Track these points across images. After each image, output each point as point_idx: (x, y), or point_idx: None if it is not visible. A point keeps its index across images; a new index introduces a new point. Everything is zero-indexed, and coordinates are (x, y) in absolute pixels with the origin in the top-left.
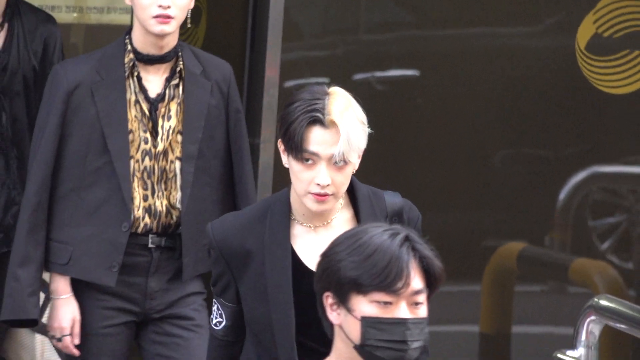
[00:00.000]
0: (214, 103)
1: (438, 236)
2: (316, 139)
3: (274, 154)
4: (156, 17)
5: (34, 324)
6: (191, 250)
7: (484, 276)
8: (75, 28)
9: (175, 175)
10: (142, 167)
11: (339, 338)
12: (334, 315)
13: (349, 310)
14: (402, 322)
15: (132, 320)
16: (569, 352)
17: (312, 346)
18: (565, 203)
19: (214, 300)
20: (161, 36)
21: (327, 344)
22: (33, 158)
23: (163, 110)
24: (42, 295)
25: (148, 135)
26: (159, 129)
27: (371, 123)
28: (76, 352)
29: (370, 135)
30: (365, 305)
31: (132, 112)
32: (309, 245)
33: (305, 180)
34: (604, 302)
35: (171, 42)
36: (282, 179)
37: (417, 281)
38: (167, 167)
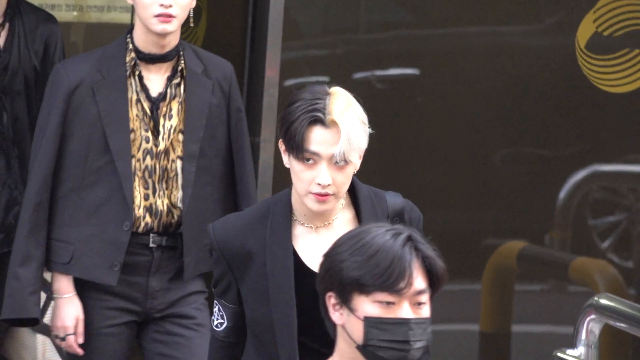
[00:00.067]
0: (216, 102)
1: (438, 235)
2: (317, 138)
3: (274, 154)
4: (158, 16)
5: (35, 323)
6: (192, 250)
7: (484, 275)
8: (75, 26)
9: (176, 174)
10: (143, 166)
11: (342, 338)
12: (337, 315)
13: (352, 310)
14: (404, 322)
15: (133, 320)
16: (569, 351)
17: (313, 347)
18: (565, 202)
19: (215, 301)
20: (163, 35)
21: (328, 345)
22: (34, 157)
23: (164, 109)
24: (43, 296)
25: (149, 134)
26: (161, 128)
27: (371, 122)
28: (80, 351)
29: (370, 135)
30: (368, 306)
31: (134, 111)
32: (310, 246)
33: (306, 180)
34: (604, 301)
35: (173, 41)
36: (282, 178)
37: (419, 281)
38: (169, 166)
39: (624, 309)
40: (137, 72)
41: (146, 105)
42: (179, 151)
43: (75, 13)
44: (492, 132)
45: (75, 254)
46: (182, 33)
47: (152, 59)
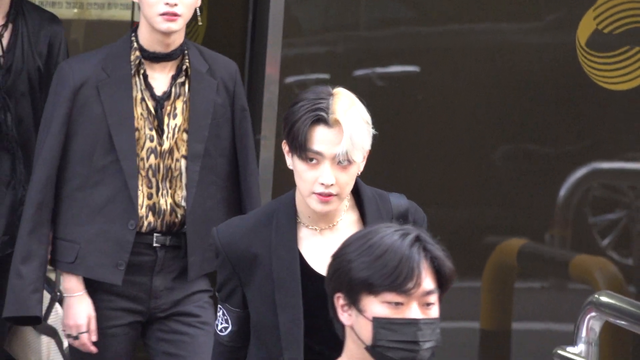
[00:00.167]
0: (220, 101)
1: (438, 232)
2: (320, 137)
3: (275, 151)
4: (163, 14)
5: (37, 322)
6: (197, 250)
7: (484, 272)
8: (75, 24)
9: (180, 173)
10: (147, 165)
11: (350, 339)
12: (345, 316)
13: (360, 311)
14: (413, 323)
15: (137, 320)
16: (569, 349)
17: (318, 349)
18: (565, 199)
19: (219, 306)
20: (168, 34)
21: (334, 347)
22: (38, 156)
23: (169, 108)
24: (47, 297)
25: (154, 133)
26: (165, 127)
27: (371, 119)
28: (94, 349)
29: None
30: (377, 306)
31: (138, 110)
32: (315, 248)
33: (310, 180)
34: (604, 299)
35: (177, 40)
36: (283, 176)
37: (428, 282)
38: (173, 166)
39: (624, 307)
40: (141, 71)
41: (150, 104)
42: (183, 150)
43: (75, 10)
44: (492, 129)
45: (80, 253)
46: None
47: (157, 58)
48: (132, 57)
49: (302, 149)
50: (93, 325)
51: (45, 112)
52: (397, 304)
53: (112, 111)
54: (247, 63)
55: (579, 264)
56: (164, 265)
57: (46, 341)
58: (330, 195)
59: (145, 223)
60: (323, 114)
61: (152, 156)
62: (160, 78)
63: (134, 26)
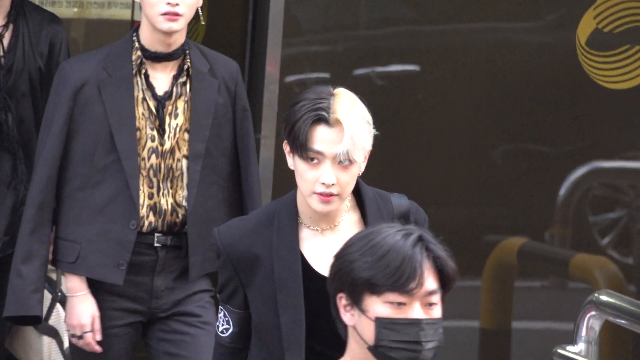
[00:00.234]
0: (221, 101)
1: (438, 232)
2: (321, 137)
3: (275, 150)
4: (164, 14)
5: (38, 322)
6: (198, 250)
7: (484, 271)
8: (75, 23)
9: (181, 173)
10: (148, 165)
11: (353, 339)
12: (348, 316)
13: (363, 311)
14: (416, 323)
15: (138, 320)
16: (569, 348)
17: (320, 350)
18: (565, 198)
19: (220, 307)
20: (169, 34)
21: (336, 347)
22: (39, 155)
23: (170, 108)
24: (48, 297)
25: (155, 133)
26: (166, 127)
27: (371, 118)
28: (98, 348)
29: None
30: (379, 306)
31: (140, 110)
32: (317, 249)
33: (310, 180)
34: (604, 298)
35: (179, 39)
36: (283, 175)
37: (430, 281)
38: (174, 166)
39: (624, 306)
40: (143, 71)
41: (152, 104)
42: (184, 150)
43: (75, 9)
44: (492, 128)
45: (81, 253)
46: None
47: (158, 58)
48: (134, 57)
49: (303, 149)
50: (97, 325)
51: (46, 112)
52: (400, 304)
53: (113, 111)
54: (247, 62)
55: (579, 263)
56: (165, 265)
57: (47, 342)
58: (331, 195)
59: (146, 223)
60: (324, 113)
61: (154, 156)
62: (161, 78)
63: (134, 25)
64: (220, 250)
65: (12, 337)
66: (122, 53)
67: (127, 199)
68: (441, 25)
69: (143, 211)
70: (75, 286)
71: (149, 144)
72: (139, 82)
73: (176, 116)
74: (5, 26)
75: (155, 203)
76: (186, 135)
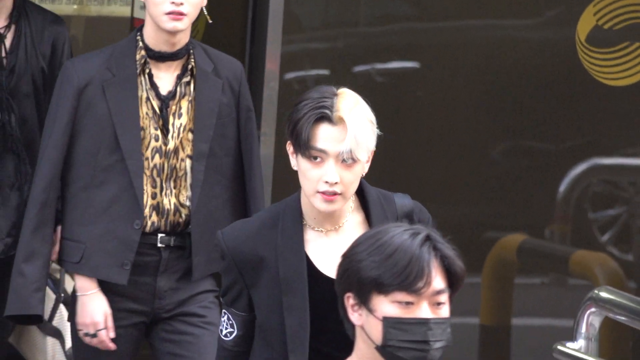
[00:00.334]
0: (225, 101)
1: (438, 228)
2: (324, 135)
3: (274, 147)
4: (169, 13)
5: (39, 321)
6: (201, 250)
7: (484, 268)
8: (75, 20)
9: (185, 173)
10: (151, 165)
11: (361, 339)
12: (355, 316)
13: (371, 310)
14: (424, 322)
15: (141, 321)
16: (569, 344)
17: (327, 351)
18: (565, 195)
19: (223, 311)
20: (173, 33)
21: (343, 348)
22: (42, 155)
23: (174, 107)
24: (52, 297)
25: (159, 132)
26: (170, 127)
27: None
28: (112, 345)
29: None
30: (387, 306)
31: (143, 110)
32: (321, 250)
33: (314, 178)
34: (604, 294)
35: (183, 39)
36: (283, 172)
37: (438, 281)
38: (178, 165)
39: (624, 302)
40: (147, 70)
41: (155, 103)
42: (188, 150)
43: (75, 6)
44: (492, 125)
45: (85, 253)
46: None
47: (162, 57)
48: (138, 57)
49: (306, 147)
50: (110, 322)
51: (49, 111)
52: (408, 303)
53: (117, 111)
54: (247, 58)
55: (579, 259)
56: (168, 266)
57: (51, 342)
58: (334, 194)
59: (149, 223)
60: (327, 111)
61: (157, 155)
62: (165, 77)
63: (133, 22)
64: (225, 252)
65: (19, 337)
66: (126, 53)
67: (131, 198)
68: (441, 22)
69: (146, 211)
70: (85, 285)
71: (153, 143)
72: (143, 81)
73: (180, 116)
74: (8, 27)
75: (158, 203)
76: (190, 135)
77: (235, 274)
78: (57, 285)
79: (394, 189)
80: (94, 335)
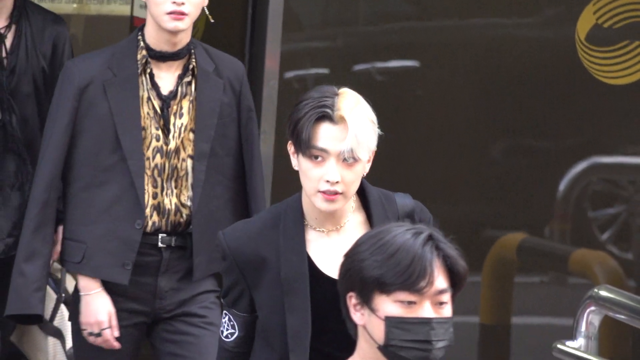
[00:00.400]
0: (227, 101)
1: (439, 228)
2: (325, 134)
3: (274, 146)
4: (170, 13)
5: (39, 320)
6: (202, 250)
7: (484, 267)
8: (75, 19)
9: (186, 173)
10: (152, 165)
11: (363, 338)
12: (358, 315)
13: (373, 310)
14: (426, 322)
15: (142, 321)
16: (568, 343)
17: (328, 351)
18: (565, 194)
19: (224, 312)
20: (174, 33)
21: (344, 348)
22: (42, 155)
23: (175, 107)
24: (53, 297)
25: (160, 132)
26: (171, 127)
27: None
28: (117, 344)
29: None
30: (389, 305)
31: (144, 110)
32: (323, 250)
33: (315, 178)
34: (603, 293)
35: (184, 39)
36: (283, 171)
37: (440, 280)
38: (179, 165)
39: (624, 301)
40: (148, 70)
41: (157, 103)
42: (189, 150)
43: (75, 5)
44: (492, 124)
45: (87, 253)
46: None
47: (164, 57)
48: (139, 57)
49: (306, 146)
50: (114, 321)
51: (50, 111)
52: (410, 303)
53: (118, 110)
54: (246, 57)
55: (578, 258)
56: (169, 266)
57: (52, 342)
58: (335, 193)
59: (150, 223)
60: (328, 110)
61: (158, 155)
62: (166, 77)
63: (133, 21)
64: (227, 253)
65: (21, 337)
66: (127, 52)
67: (133, 198)
68: (441, 21)
69: (147, 211)
70: (89, 284)
71: (154, 143)
72: (144, 81)
73: (181, 116)
74: (8, 27)
75: (159, 203)
76: (191, 135)
77: (237, 274)
78: (59, 285)
79: (394, 188)
80: (99, 335)
